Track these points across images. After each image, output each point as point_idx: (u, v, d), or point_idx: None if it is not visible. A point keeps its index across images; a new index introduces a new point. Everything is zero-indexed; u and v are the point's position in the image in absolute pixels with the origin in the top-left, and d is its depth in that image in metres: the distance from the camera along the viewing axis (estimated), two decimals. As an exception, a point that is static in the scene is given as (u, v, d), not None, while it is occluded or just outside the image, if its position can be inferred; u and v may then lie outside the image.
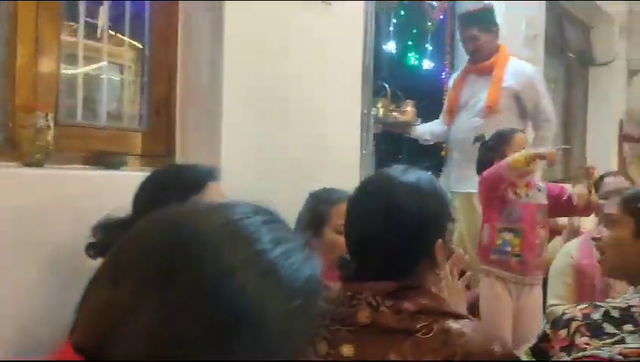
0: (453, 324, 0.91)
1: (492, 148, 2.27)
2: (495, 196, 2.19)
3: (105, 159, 1.53)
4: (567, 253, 2.08)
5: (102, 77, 1.74)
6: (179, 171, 1.31)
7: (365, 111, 2.45)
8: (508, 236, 2.19)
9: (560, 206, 2.30)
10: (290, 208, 1.72)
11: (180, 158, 1.75)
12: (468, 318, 0.98)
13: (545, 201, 2.27)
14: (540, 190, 2.28)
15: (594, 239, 1.33)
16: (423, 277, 0.98)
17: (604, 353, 0.86)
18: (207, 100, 1.76)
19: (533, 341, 1.10)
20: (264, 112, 1.86)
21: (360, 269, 0.98)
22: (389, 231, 0.95)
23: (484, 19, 2.72)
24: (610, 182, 2.26)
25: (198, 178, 1.24)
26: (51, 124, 1.39)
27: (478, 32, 2.68)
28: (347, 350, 0.92)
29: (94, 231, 1.22)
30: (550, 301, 2.04)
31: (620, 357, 0.84)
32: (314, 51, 2.05)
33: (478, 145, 2.36)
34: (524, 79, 2.63)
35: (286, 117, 1.94)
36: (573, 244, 2.11)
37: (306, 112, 2.02)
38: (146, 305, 0.43)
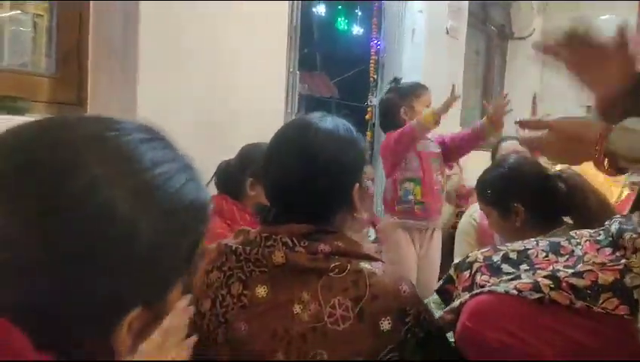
0: (366, 265, 0.93)
1: (403, 95, 2.35)
2: (404, 153, 2.30)
3: (6, 103, 1.42)
4: (471, 215, 2.16)
5: (6, 18, 1.61)
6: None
7: (291, 70, 2.43)
8: (409, 186, 2.33)
9: (461, 145, 2.43)
10: (208, 166, 1.68)
11: (92, 108, 1.66)
12: (381, 261, 1.00)
13: (437, 150, 2.40)
14: (431, 140, 2.41)
15: None
16: (340, 222, 0.99)
17: (501, 288, 0.91)
18: (121, 50, 1.67)
19: (439, 284, 1.15)
20: (184, 66, 1.79)
21: (278, 214, 0.97)
22: (307, 178, 0.94)
23: None
24: (508, 147, 2.27)
25: None
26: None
27: None
28: (261, 290, 0.92)
29: None
30: (456, 259, 2.12)
31: (514, 291, 0.89)
32: (239, 6, 1.99)
33: None
34: None
35: (208, 72, 1.88)
36: (476, 207, 2.18)
37: (230, 69, 1.97)
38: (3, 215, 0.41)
